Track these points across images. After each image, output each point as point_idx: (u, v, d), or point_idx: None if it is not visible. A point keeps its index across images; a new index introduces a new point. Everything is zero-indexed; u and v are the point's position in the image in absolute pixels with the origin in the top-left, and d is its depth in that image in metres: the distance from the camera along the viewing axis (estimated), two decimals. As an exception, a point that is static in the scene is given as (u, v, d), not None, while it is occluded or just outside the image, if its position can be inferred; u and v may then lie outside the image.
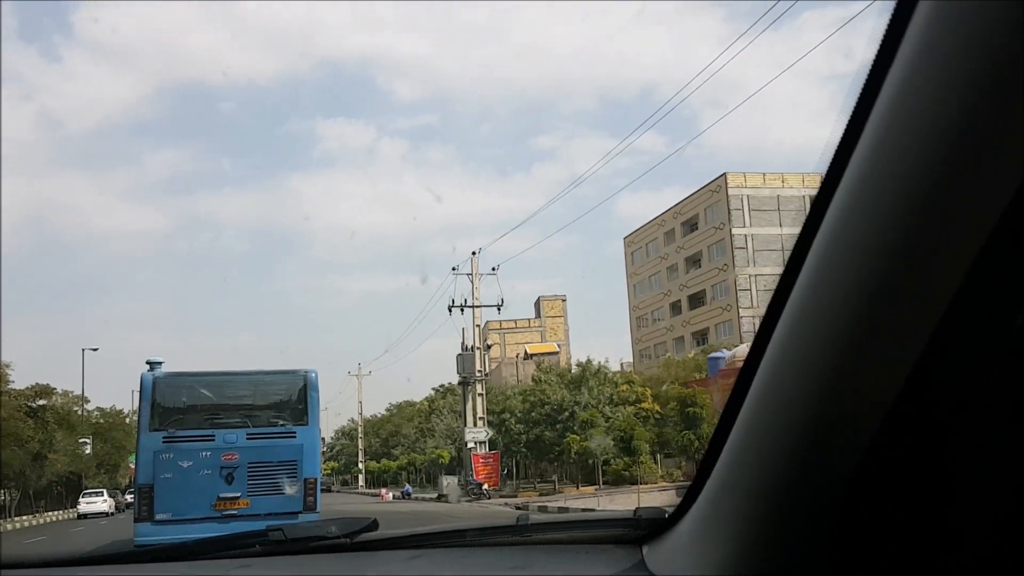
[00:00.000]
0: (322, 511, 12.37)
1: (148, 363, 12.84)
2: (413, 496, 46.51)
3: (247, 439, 12.42)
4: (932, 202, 0.72)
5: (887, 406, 0.84)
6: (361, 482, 77.43)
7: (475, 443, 38.26)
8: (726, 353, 41.46)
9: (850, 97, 0.78)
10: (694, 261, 72.07)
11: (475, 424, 38.94)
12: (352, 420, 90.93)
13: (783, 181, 66.25)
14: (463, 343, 40.10)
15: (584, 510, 23.57)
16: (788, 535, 1.01)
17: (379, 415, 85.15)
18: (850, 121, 0.79)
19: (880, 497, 0.94)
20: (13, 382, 42.69)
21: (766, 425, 0.98)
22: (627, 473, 36.68)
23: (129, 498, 47.44)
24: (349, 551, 1.74)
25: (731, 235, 66.09)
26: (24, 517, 44.16)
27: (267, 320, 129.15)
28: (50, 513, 50.55)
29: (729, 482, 1.10)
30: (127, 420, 75.25)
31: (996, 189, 0.69)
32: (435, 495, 41.92)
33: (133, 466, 63.99)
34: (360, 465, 77.92)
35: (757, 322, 1.12)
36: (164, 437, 12.12)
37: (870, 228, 0.77)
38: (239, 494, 12.15)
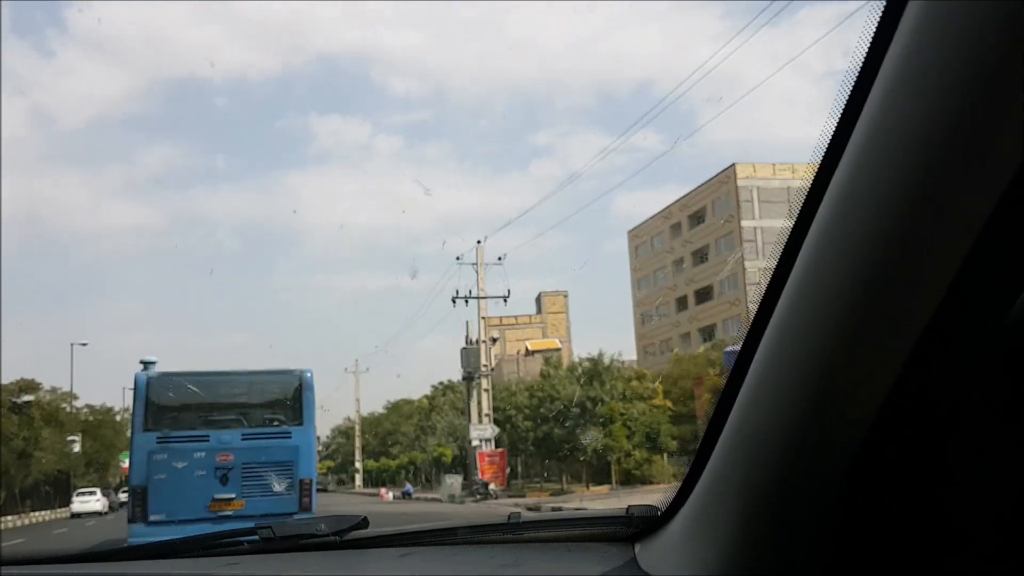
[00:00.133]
0: (318, 512, 11.48)
1: (142, 363, 12.64)
2: (414, 496, 44.70)
3: (242, 440, 12.31)
4: (924, 198, 0.72)
5: (880, 403, 0.84)
6: (358, 481, 75.39)
7: (481, 441, 36.41)
8: (743, 347, 39.72)
9: (842, 93, 0.79)
10: (701, 255, 70.34)
11: (480, 421, 37.09)
12: (348, 418, 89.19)
13: (793, 172, 64.45)
14: (467, 336, 38.27)
15: (577, 510, 21.92)
16: (781, 532, 1.01)
17: (376, 413, 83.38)
18: (842, 117, 0.80)
19: (874, 494, 0.94)
20: (-4, 379, 41.01)
21: (759, 421, 0.98)
22: (638, 472, 35.02)
23: (123, 497, 47.10)
24: (339, 549, 1.73)
25: (740, 228, 64.37)
26: (8, 517, 42.20)
27: (261, 318, 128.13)
28: (37, 513, 48.55)
29: (722, 479, 1.10)
30: (117, 418, 73.64)
31: (987, 185, 0.69)
32: (438, 495, 40.10)
33: (124, 465, 62.97)
34: (357, 464, 75.75)
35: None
36: (158, 438, 12.00)
37: (862, 224, 0.77)
38: (234, 495, 12.05)
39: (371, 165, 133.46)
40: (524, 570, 1.56)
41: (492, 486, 34.06)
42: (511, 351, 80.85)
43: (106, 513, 46.30)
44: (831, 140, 0.81)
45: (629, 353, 75.16)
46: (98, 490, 51.41)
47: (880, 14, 0.75)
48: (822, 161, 0.83)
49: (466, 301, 36.90)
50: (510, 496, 34.05)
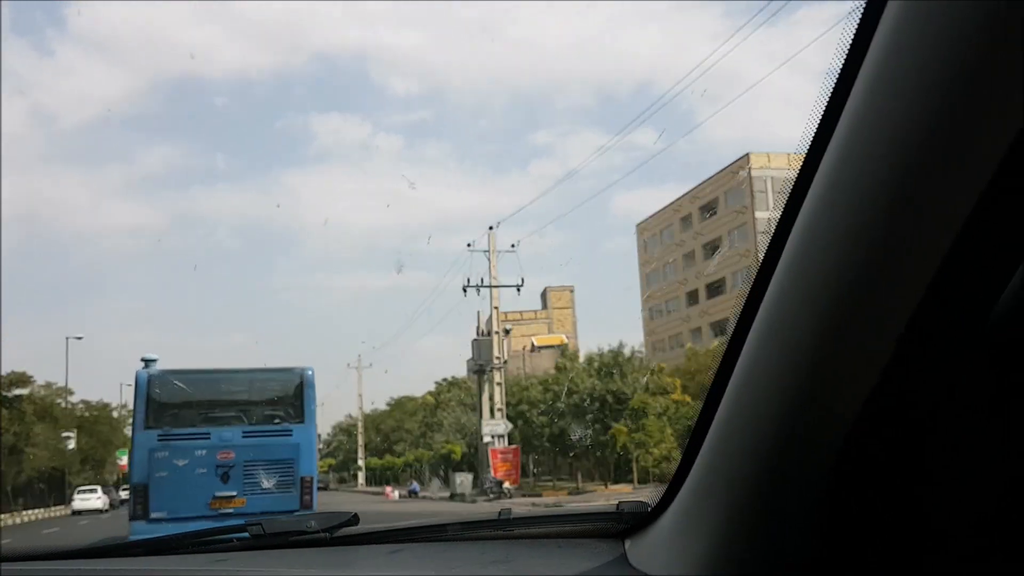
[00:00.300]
0: (320, 511, 9.23)
1: (143, 360, 12.56)
2: (421, 495, 42.93)
3: (243, 437, 12.25)
4: (904, 197, 0.73)
5: (864, 399, 0.86)
6: (361, 480, 73.52)
7: (493, 437, 34.60)
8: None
9: (823, 91, 0.80)
10: (713, 248, 68.57)
11: (493, 416, 35.29)
12: (349, 416, 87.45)
13: (809, 162, 62.67)
14: (479, 327, 36.46)
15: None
16: (770, 526, 1.02)
17: (378, 410, 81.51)
18: (824, 114, 0.81)
19: (859, 490, 0.96)
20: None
21: (746, 416, 0.99)
22: (656, 470, 33.20)
23: (124, 495, 48.52)
24: (329, 546, 1.74)
25: (754, 219, 62.60)
26: (0, 516, 40.46)
27: (260, 317, 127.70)
28: (29, 512, 46.71)
29: (710, 474, 1.11)
30: (115, 414, 71.92)
31: (967, 183, 0.70)
32: (448, 493, 38.31)
33: (121, 462, 61.20)
34: (360, 462, 73.78)
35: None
36: (159, 435, 11.94)
37: (845, 221, 0.79)
38: (235, 493, 12.02)
39: (371, 165, 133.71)
40: (514, 566, 1.56)
41: (506, 484, 32.25)
42: (516, 347, 79.07)
43: (107, 511, 46.22)
44: (814, 137, 0.81)
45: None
46: (99, 488, 51.50)
47: (860, 14, 0.75)
48: (805, 158, 0.83)
49: (478, 290, 35.06)
50: (525, 495, 32.29)
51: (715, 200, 68.35)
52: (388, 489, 47.31)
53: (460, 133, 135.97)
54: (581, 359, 39.23)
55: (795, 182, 0.85)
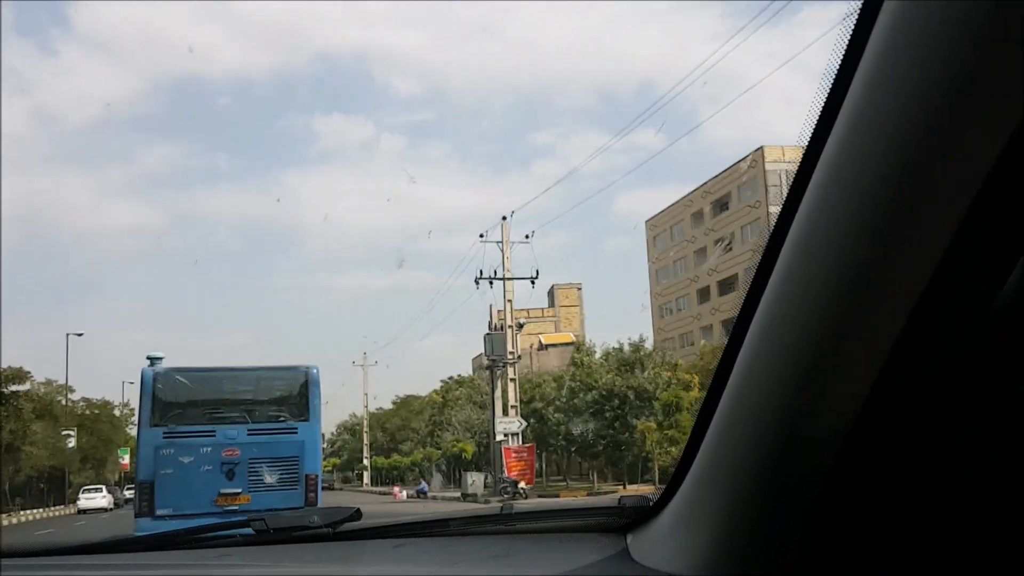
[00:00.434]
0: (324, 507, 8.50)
1: (149, 358, 12.59)
2: (430, 495, 41.67)
3: (248, 435, 12.26)
4: (902, 195, 0.74)
5: (866, 395, 0.87)
6: (366, 479, 72.14)
7: (507, 435, 33.27)
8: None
9: (821, 90, 0.81)
10: (725, 244, 67.21)
11: (506, 414, 33.99)
12: (353, 415, 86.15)
13: (824, 156, 61.27)
14: (491, 321, 35.17)
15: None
16: (771, 522, 1.03)
17: (383, 409, 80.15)
18: (822, 113, 0.82)
19: (862, 486, 0.97)
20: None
21: (747, 412, 1.00)
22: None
23: (128, 494, 50.30)
24: (332, 541, 1.74)
25: (768, 214, 61.24)
26: (-5, 516, 39.26)
27: (260, 316, 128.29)
28: (26, 512, 45.43)
29: (712, 469, 1.12)
30: (116, 412, 70.70)
31: (964, 181, 0.71)
32: (459, 494, 37.03)
33: (123, 461, 60.33)
34: (365, 461, 72.30)
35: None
36: (165, 433, 11.99)
37: (844, 218, 0.79)
38: (240, 490, 12.02)
39: (372, 165, 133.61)
40: (517, 560, 1.57)
41: (522, 484, 30.91)
42: (524, 345, 77.72)
43: (111, 509, 46.84)
44: (813, 134, 0.82)
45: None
46: (104, 487, 52.28)
47: (858, 13, 0.76)
48: (804, 155, 0.83)
49: (490, 283, 33.75)
50: (542, 496, 30.99)
51: (727, 195, 66.99)
52: (396, 489, 46.04)
53: (461, 133, 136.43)
54: (597, 354, 37.80)
55: (794, 179, 0.85)
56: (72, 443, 54.72)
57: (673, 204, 74.81)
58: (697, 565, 1.13)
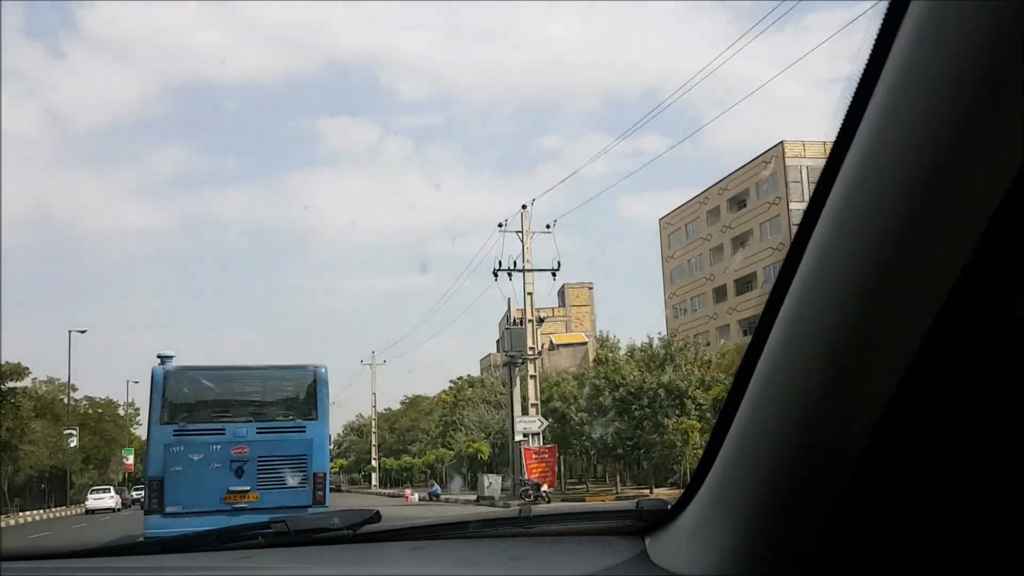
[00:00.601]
0: (343, 508, 7.34)
1: (159, 357, 12.68)
2: (443, 498, 40.07)
3: (257, 433, 12.35)
4: (929, 197, 0.73)
5: (891, 396, 0.86)
6: (374, 481, 70.42)
7: (526, 435, 31.62)
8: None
9: (846, 92, 0.81)
10: (742, 242, 65.54)
11: (526, 412, 32.37)
12: (360, 415, 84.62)
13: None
14: (509, 315, 33.56)
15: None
16: (792, 525, 1.03)
17: (391, 410, 78.46)
18: (847, 114, 0.81)
19: (882, 491, 0.96)
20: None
21: (770, 412, 0.99)
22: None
23: (135, 494, 50.90)
24: (352, 543, 1.75)
25: (788, 211, 59.54)
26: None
27: (266, 317, 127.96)
28: (25, 513, 43.93)
29: (732, 473, 1.11)
30: (120, 411, 69.28)
31: (992, 183, 0.71)
32: (475, 496, 35.40)
33: (128, 461, 59.24)
34: (373, 462, 70.51)
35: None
36: (175, 431, 12.12)
37: (869, 221, 0.79)
38: (249, 488, 12.09)
39: (380, 167, 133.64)
40: (536, 563, 1.58)
41: (544, 487, 29.28)
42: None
43: (118, 510, 47.35)
44: (839, 133, 0.81)
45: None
46: (111, 488, 52.41)
47: (884, 12, 0.75)
48: (830, 154, 0.82)
49: (509, 274, 32.12)
50: (565, 500, 29.38)
51: (745, 192, 65.29)
52: (407, 491, 44.40)
53: (468, 137, 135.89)
54: (622, 350, 36.04)
55: (819, 178, 0.84)
56: (74, 443, 53.29)
57: (688, 202, 73.15)
58: (718, 567, 1.12)
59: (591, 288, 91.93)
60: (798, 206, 59.52)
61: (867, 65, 0.77)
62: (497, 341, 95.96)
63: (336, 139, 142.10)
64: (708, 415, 30.02)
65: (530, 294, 32.54)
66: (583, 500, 28.61)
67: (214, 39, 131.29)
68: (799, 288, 0.88)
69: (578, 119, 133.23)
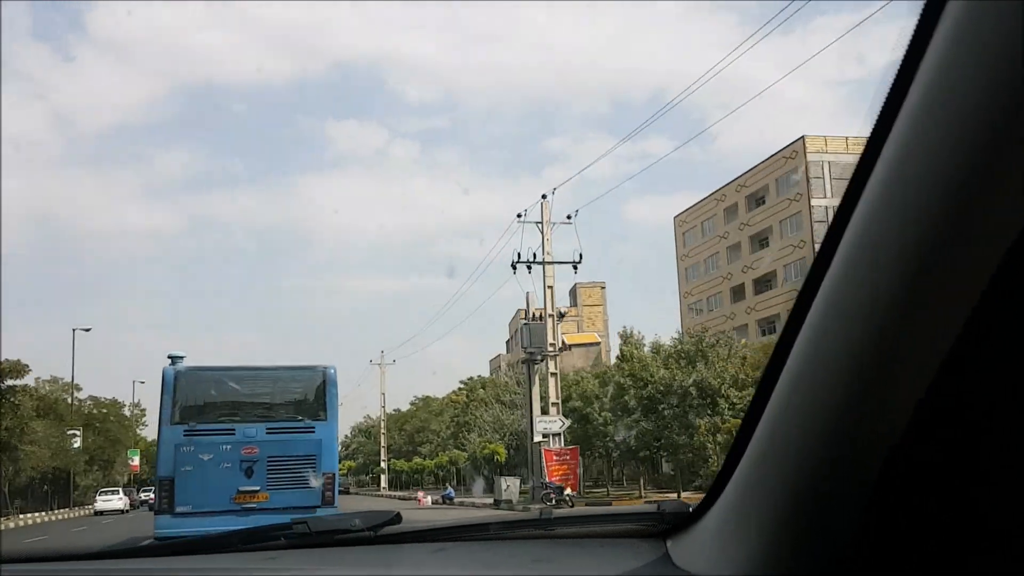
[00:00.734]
0: (364, 510, 6.25)
1: (170, 357, 12.82)
2: (457, 501, 38.55)
3: (267, 433, 12.46)
4: (967, 193, 0.72)
5: (922, 395, 0.85)
6: (383, 483, 68.82)
7: (546, 436, 30.06)
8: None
9: (879, 93, 0.80)
10: (761, 239, 63.93)
11: (547, 412, 30.83)
12: (368, 416, 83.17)
13: (869, 146, 57.87)
14: (528, 310, 32.05)
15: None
16: (815, 529, 1.02)
17: (399, 410, 76.90)
18: (881, 114, 0.80)
19: (910, 494, 0.96)
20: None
21: (794, 417, 0.99)
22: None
23: (143, 496, 52.09)
24: (373, 544, 1.76)
25: (810, 207, 57.90)
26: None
27: (274, 318, 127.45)
28: (25, 515, 42.57)
29: (756, 476, 1.11)
30: (126, 412, 68.01)
31: None
32: (491, 500, 33.87)
33: (133, 463, 58.29)
34: (383, 464, 68.87)
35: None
36: (185, 431, 12.24)
37: (900, 223, 0.78)
38: (258, 488, 12.20)
39: (386, 170, 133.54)
40: (557, 565, 1.58)
41: (568, 491, 27.73)
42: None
43: (127, 511, 47.66)
44: (869, 139, 0.80)
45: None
46: (120, 489, 52.88)
47: (920, 12, 0.74)
48: (864, 150, 0.81)
49: (528, 267, 30.60)
50: (590, 504, 27.81)
51: (764, 188, 63.67)
52: (420, 494, 42.85)
53: (474, 139, 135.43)
54: (647, 348, 34.39)
55: (852, 176, 0.82)
56: (77, 443, 51.96)
57: (704, 199, 71.56)
58: (741, 569, 1.12)
59: (603, 287, 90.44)
60: (820, 202, 57.89)
61: (901, 65, 0.75)
62: (507, 341, 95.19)
63: (343, 141, 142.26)
64: (744, 415, 28.32)
65: (550, 288, 31.03)
66: (609, 504, 27.02)
67: (221, 41, 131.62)
68: (831, 286, 0.86)
69: (585, 121, 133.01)
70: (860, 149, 0.80)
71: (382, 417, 69.27)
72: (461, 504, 36.54)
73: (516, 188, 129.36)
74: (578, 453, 30.69)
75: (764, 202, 63.76)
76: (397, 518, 1.78)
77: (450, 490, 42.47)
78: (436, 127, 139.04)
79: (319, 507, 11.99)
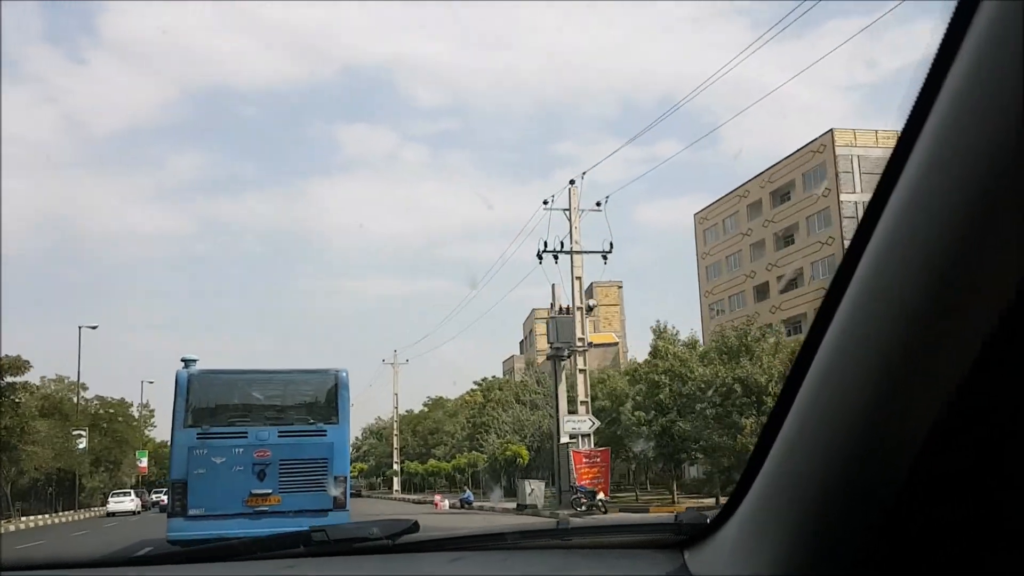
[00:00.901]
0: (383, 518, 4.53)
1: (183, 360, 12.84)
2: (475, 505, 36.70)
3: (279, 436, 12.50)
4: (1000, 190, 0.72)
5: (949, 398, 0.84)
6: (396, 486, 66.96)
7: (574, 436, 28.19)
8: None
9: (909, 96, 0.79)
10: (787, 236, 61.89)
11: (572, 411, 28.98)
12: (379, 418, 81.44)
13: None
14: (554, 304, 30.21)
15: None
16: (835, 542, 1.01)
17: (412, 412, 75.07)
18: (911, 114, 0.79)
19: (937, 496, 0.93)
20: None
21: (820, 418, 0.98)
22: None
23: (154, 497, 52.38)
24: (391, 552, 1.76)
25: (839, 202, 55.87)
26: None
27: (286, 322, 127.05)
28: (27, 518, 40.93)
29: (774, 487, 1.10)
30: (134, 412, 66.53)
31: None
32: (514, 504, 32.01)
33: (141, 464, 56.69)
34: (396, 466, 66.99)
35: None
36: (198, 433, 12.28)
37: (929, 225, 0.78)
38: (271, 490, 12.22)
39: (396, 173, 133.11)
40: (573, 575, 1.58)
41: (600, 495, 25.84)
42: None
43: (138, 513, 47.51)
44: (900, 136, 0.80)
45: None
46: (132, 491, 52.64)
47: (952, 13, 0.74)
48: (896, 147, 0.80)
49: (555, 257, 28.74)
50: (624, 511, 25.91)
51: (790, 183, 61.62)
52: (437, 498, 40.98)
53: (483, 143, 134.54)
54: (711, 337, 32.31)
55: (883, 173, 0.82)
56: (83, 444, 50.34)
57: (725, 195, 69.53)
58: None
59: (620, 287, 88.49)
60: (849, 197, 55.84)
61: (932, 67, 0.75)
62: (520, 342, 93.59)
63: (353, 145, 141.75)
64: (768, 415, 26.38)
65: (578, 279, 29.15)
66: (646, 511, 25.10)
67: (232, 45, 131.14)
68: (860, 285, 0.85)
69: (594, 125, 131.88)
70: (890, 143, 0.79)
71: (395, 418, 67.44)
72: (480, 509, 34.69)
73: (526, 191, 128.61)
74: (609, 455, 28.77)
75: (789, 198, 61.74)
76: (415, 527, 1.77)
77: (468, 493, 40.63)
78: (446, 130, 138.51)
79: (331, 510, 12.09)
